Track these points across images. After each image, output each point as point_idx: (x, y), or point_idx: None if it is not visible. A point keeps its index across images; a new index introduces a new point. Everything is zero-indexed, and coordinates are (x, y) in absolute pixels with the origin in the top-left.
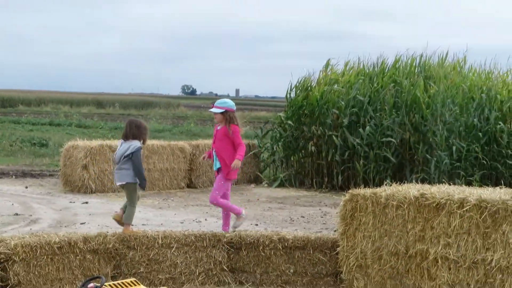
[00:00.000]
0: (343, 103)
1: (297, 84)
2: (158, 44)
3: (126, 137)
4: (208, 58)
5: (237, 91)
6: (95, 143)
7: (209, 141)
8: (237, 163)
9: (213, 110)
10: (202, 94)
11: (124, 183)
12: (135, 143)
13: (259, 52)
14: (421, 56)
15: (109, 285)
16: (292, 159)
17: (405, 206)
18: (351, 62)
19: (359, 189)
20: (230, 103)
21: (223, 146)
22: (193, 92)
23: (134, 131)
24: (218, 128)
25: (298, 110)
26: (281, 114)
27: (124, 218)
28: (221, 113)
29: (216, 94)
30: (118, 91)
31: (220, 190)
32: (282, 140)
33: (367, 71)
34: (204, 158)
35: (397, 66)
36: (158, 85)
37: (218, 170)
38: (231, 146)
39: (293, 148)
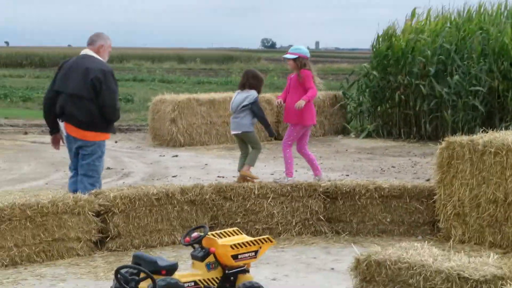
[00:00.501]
0: (429, 52)
1: (382, 34)
2: None
3: (243, 87)
4: (286, 10)
5: (317, 43)
6: (182, 96)
7: None
8: (300, 103)
9: (286, 56)
10: (282, 47)
11: (239, 132)
12: (253, 93)
13: (337, 2)
14: (506, 1)
15: (212, 234)
16: (379, 109)
17: (504, 153)
18: (434, 10)
19: (456, 137)
20: (304, 50)
21: (297, 96)
22: (273, 45)
23: (251, 81)
24: (292, 76)
25: (383, 59)
26: (366, 64)
27: (248, 160)
28: (294, 59)
29: None
30: (198, 46)
31: (289, 137)
32: (368, 90)
33: (452, 18)
34: (279, 103)
35: (481, 12)
36: (238, 39)
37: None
38: (304, 94)
39: (379, 98)
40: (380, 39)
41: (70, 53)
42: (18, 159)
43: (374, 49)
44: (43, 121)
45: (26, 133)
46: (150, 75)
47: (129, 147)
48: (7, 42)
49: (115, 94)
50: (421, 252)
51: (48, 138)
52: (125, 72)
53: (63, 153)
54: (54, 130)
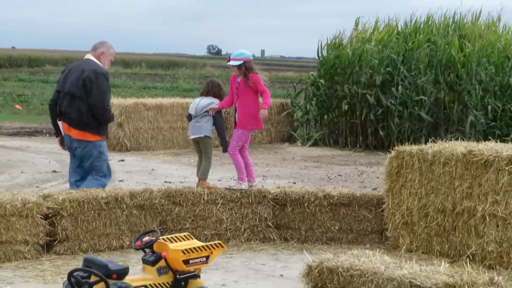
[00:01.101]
0: (376, 61)
1: (328, 43)
2: (181, 2)
3: (207, 94)
4: (233, 17)
5: (263, 51)
6: (129, 101)
7: None
8: (263, 112)
9: (231, 63)
10: (227, 54)
11: (201, 135)
12: (217, 101)
13: (283, 11)
14: (455, 14)
15: (164, 238)
16: (325, 118)
17: (453, 163)
18: (381, 20)
19: (405, 146)
20: (247, 54)
21: (246, 99)
22: (219, 52)
23: (215, 90)
24: (239, 80)
25: (330, 68)
26: (313, 73)
27: (200, 174)
28: (239, 65)
29: None
30: (143, 51)
31: (238, 141)
32: (315, 99)
33: (399, 29)
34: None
35: (430, 23)
36: (183, 45)
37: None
38: (256, 96)
39: (326, 107)
40: (327, 48)
41: (14, 54)
42: None
43: (321, 58)
44: None
45: None
46: None
47: None
48: None
49: (105, 95)
50: (373, 260)
51: None
52: None
53: (7, 155)
54: (58, 132)
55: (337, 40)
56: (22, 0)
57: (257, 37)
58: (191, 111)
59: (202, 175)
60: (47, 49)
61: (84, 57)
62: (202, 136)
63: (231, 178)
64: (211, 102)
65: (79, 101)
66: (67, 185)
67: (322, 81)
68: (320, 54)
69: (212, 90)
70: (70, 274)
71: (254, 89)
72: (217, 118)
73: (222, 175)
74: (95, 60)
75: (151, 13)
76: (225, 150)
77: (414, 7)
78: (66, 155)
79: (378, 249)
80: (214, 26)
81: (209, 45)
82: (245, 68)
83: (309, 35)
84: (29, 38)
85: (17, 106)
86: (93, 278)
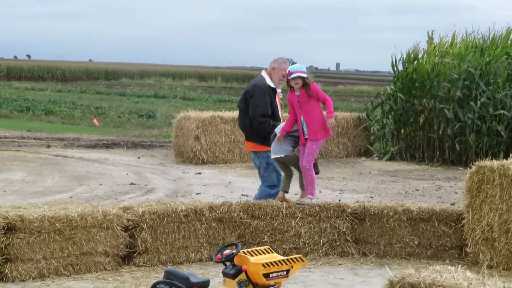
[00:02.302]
0: (455, 75)
1: (404, 57)
2: (255, 16)
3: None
4: (307, 31)
5: (338, 65)
6: (206, 114)
7: None
8: (331, 121)
9: (300, 75)
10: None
11: (282, 155)
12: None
13: (358, 25)
14: None
15: (244, 252)
16: (402, 132)
17: None
18: (458, 34)
19: (486, 161)
20: (304, 67)
21: (311, 110)
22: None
23: None
24: (297, 94)
25: (407, 82)
26: (391, 87)
27: (302, 185)
28: (303, 77)
29: (316, 68)
30: (217, 64)
31: (313, 154)
32: (392, 113)
33: (477, 43)
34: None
35: (509, 37)
36: (257, 58)
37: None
38: (318, 105)
39: (403, 121)
40: (405, 63)
41: (91, 67)
42: (41, 172)
43: (397, 72)
44: (65, 135)
45: (49, 146)
46: (171, 92)
47: (152, 163)
48: (29, 56)
49: (258, 108)
50: (455, 276)
51: (70, 152)
52: (146, 89)
53: (86, 167)
54: None
55: (412, 54)
56: (98, 11)
57: (332, 51)
58: (277, 130)
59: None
60: (124, 62)
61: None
62: (283, 155)
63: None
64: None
65: (243, 114)
66: (147, 197)
67: (400, 95)
68: (395, 68)
69: None
70: (154, 286)
71: (315, 98)
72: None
73: (298, 189)
74: (266, 76)
75: (224, 25)
76: (316, 172)
77: (494, 20)
78: (143, 168)
79: (457, 265)
80: (289, 40)
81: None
82: (304, 81)
83: (383, 49)
84: (105, 51)
85: (95, 121)
86: None
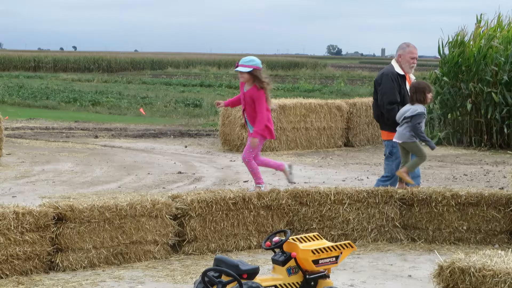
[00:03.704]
0: (502, 59)
1: (450, 40)
2: (300, 3)
3: (411, 101)
4: (352, 16)
5: (383, 50)
6: None
7: (366, 99)
8: (253, 141)
9: (240, 69)
10: (347, 54)
11: (400, 141)
12: (416, 107)
13: (402, 8)
14: None
15: (293, 238)
16: (449, 117)
17: None
18: (505, 17)
19: None
20: (257, 61)
21: (252, 110)
22: (339, 52)
23: (417, 96)
24: (245, 90)
25: (454, 67)
26: (436, 71)
27: (408, 164)
28: (248, 72)
29: (361, 54)
30: (263, 52)
31: (254, 148)
32: (438, 97)
33: None
34: (218, 104)
35: None
36: (303, 45)
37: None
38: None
39: (450, 105)
40: (451, 47)
41: (136, 58)
42: (90, 162)
43: (443, 56)
44: (113, 125)
45: (96, 136)
46: (217, 80)
47: (199, 152)
48: (74, 47)
49: (386, 95)
50: (505, 260)
51: (118, 142)
52: (192, 78)
53: (134, 157)
54: None
55: (459, 37)
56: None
57: (377, 36)
58: (398, 116)
59: (410, 166)
60: (169, 52)
61: None
62: (401, 141)
63: (355, 178)
64: (409, 108)
65: (375, 103)
66: (195, 185)
67: (446, 79)
68: (441, 52)
69: (414, 96)
70: (205, 274)
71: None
72: (412, 121)
73: (346, 175)
74: (395, 63)
75: (270, 12)
76: (431, 148)
77: None
78: (190, 156)
79: (508, 249)
80: (333, 26)
81: (329, 45)
82: (253, 76)
83: (428, 33)
84: (151, 40)
85: (141, 110)
86: (224, 278)
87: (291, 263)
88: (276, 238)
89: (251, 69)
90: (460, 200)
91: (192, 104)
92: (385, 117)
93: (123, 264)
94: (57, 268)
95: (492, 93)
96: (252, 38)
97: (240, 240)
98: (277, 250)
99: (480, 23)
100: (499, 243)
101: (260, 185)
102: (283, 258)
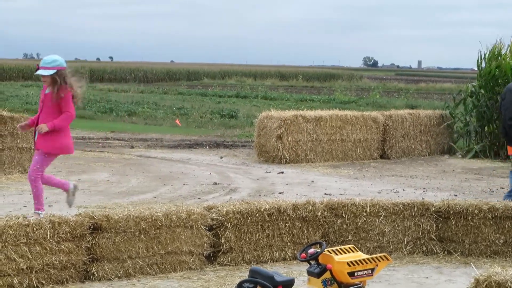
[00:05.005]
0: None
1: (487, 53)
2: (335, 15)
3: None
4: (388, 28)
5: (419, 62)
6: (288, 113)
7: (402, 111)
8: (43, 126)
9: (40, 72)
10: (384, 66)
11: None
12: None
13: (439, 21)
14: None
15: (329, 250)
16: (486, 129)
17: None
18: None
19: None
20: (60, 60)
21: (50, 115)
22: (375, 64)
23: None
24: (46, 92)
25: (490, 79)
26: (473, 83)
27: None
28: (51, 75)
29: (398, 66)
30: (298, 64)
31: (41, 164)
32: (475, 110)
33: None
34: (21, 127)
35: None
36: (339, 57)
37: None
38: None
39: (487, 118)
40: (487, 58)
41: (173, 68)
42: (125, 173)
43: (480, 69)
44: (148, 135)
45: (132, 147)
46: (252, 91)
47: (235, 163)
48: (111, 57)
49: (508, 111)
50: None
51: (154, 152)
52: (228, 88)
53: (169, 167)
54: None
55: (495, 50)
56: (180, 11)
57: (413, 48)
58: None
59: None
60: (205, 63)
61: None
62: None
63: (391, 191)
64: None
65: (500, 117)
66: (230, 196)
67: (482, 91)
68: (479, 65)
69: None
70: (240, 285)
71: (59, 106)
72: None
73: (382, 187)
74: None
75: (305, 24)
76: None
77: None
78: (226, 167)
79: None
80: (369, 38)
81: (365, 56)
82: (58, 78)
83: (466, 45)
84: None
85: (177, 121)
86: None
87: (327, 275)
88: (311, 250)
89: (54, 71)
90: (497, 213)
91: (227, 115)
92: (507, 132)
93: (158, 274)
94: (92, 278)
95: None
96: (287, 49)
97: (275, 251)
98: (312, 262)
99: None
100: None
101: (39, 212)
102: (318, 270)
